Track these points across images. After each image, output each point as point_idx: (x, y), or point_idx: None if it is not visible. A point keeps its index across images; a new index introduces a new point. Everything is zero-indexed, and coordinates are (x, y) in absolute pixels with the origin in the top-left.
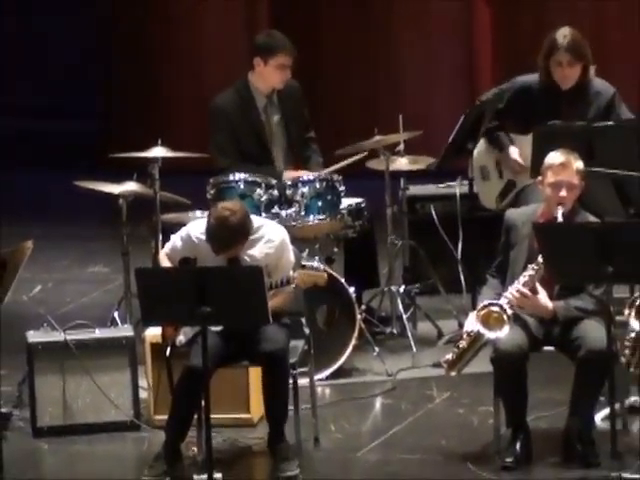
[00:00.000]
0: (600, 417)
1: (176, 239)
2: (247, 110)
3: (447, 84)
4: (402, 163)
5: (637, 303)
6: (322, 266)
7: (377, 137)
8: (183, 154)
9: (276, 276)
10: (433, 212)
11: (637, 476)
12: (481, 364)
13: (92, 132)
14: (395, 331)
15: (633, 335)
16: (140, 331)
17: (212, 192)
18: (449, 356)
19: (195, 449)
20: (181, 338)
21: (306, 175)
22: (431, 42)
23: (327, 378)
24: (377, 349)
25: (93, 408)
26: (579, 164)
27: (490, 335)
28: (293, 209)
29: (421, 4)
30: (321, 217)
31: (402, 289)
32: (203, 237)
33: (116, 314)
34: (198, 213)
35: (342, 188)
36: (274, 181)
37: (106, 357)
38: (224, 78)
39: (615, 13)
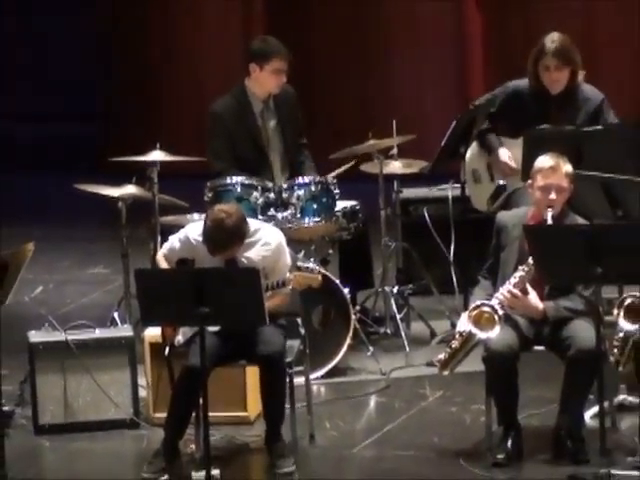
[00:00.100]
0: (589, 415)
1: (174, 240)
2: (244, 115)
3: (439, 89)
4: (396, 167)
5: (625, 303)
6: (317, 267)
7: (371, 141)
8: (181, 158)
9: (273, 278)
10: (426, 214)
11: (626, 472)
12: (473, 363)
13: (92, 133)
14: (389, 331)
15: (621, 335)
16: (139, 331)
17: (210, 195)
18: (442, 355)
19: (193, 446)
20: (179, 338)
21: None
22: (423, 47)
23: (322, 377)
24: (371, 348)
25: (93, 406)
26: (568, 167)
27: (482, 335)
28: (289, 212)
29: (413, 10)
30: (316, 219)
31: (396, 290)
32: (201, 239)
33: (116, 314)
34: (196, 216)
35: (337, 191)
36: (270, 184)
37: (106, 356)
38: (223, 78)
39: (605, 18)
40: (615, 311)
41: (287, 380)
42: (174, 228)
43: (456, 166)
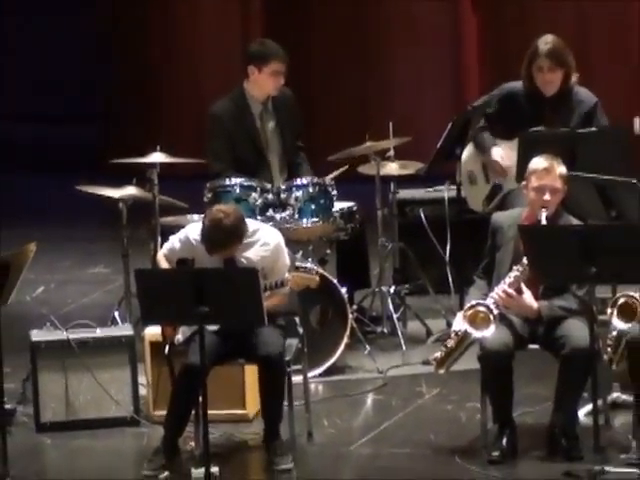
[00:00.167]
0: (583, 413)
1: (174, 241)
2: (243, 117)
3: (436, 91)
4: (392, 168)
5: (619, 303)
6: (315, 268)
7: (368, 143)
8: (181, 160)
9: (272, 278)
10: (422, 215)
11: (619, 470)
12: (469, 362)
13: (92, 133)
14: (386, 330)
15: (615, 334)
16: (140, 330)
17: (209, 196)
18: (438, 354)
19: (193, 444)
20: (179, 337)
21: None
22: (420, 49)
23: (320, 375)
24: (368, 347)
25: (94, 404)
26: (562, 169)
27: (477, 334)
28: (287, 212)
29: (410, 13)
30: (314, 220)
31: (392, 289)
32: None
33: (116, 314)
34: (196, 216)
35: (334, 192)
36: (269, 185)
37: (107, 355)
38: (223, 79)
39: (599, 21)
40: (609, 310)
41: (286, 380)
42: (174, 229)
43: (452, 167)
